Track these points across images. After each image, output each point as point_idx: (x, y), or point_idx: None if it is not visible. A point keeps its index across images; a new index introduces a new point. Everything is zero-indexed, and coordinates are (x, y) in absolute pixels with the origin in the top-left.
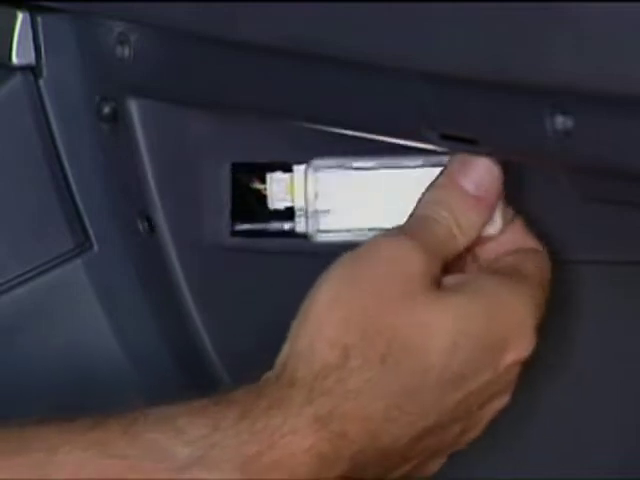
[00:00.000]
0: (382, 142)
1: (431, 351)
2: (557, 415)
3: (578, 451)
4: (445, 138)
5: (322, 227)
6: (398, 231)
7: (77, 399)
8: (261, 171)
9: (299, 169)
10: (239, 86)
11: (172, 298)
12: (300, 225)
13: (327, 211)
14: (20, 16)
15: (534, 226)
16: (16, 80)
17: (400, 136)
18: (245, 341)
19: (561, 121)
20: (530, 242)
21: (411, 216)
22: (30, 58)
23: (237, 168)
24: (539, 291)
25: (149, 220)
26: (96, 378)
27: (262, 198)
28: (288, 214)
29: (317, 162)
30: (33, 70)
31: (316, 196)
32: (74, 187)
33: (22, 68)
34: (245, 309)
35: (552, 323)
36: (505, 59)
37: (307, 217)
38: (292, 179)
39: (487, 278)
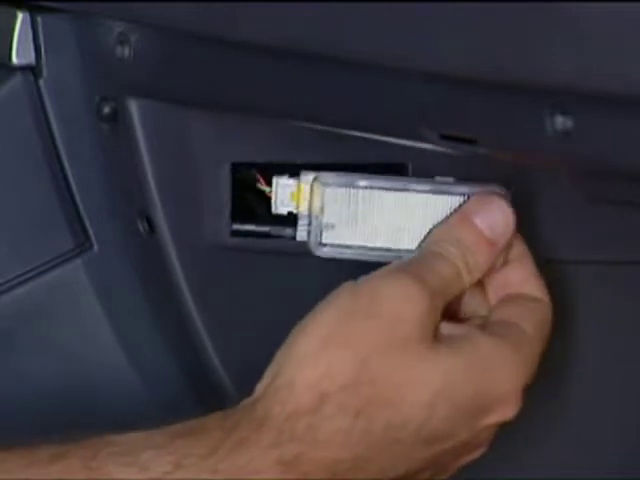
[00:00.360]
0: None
1: (411, 406)
2: (557, 415)
3: (578, 451)
4: (445, 138)
5: (324, 240)
6: (403, 268)
7: (77, 399)
8: (263, 172)
9: (307, 178)
10: (239, 86)
11: (172, 298)
12: (301, 234)
13: (330, 225)
14: (20, 16)
15: (534, 226)
16: (16, 80)
17: (400, 136)
18: (245, 341)
19: (561, 121)
20: (535, 289)
21: (419, 251)
22: (30, 58)
23: (237, 168)
24: (535, 348)
25: (149, 220)
26: (96, 378)
27: (263, 199)
28: (290, 219)
29: (325, 176)
30: (33, 70)
31: (321, 210)
32: (74, 187)
33: (22, 68)
34: (245, 309)
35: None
36: (505, 59)
37: (310, 228)
38: (299, 187)
39: (483, 340)
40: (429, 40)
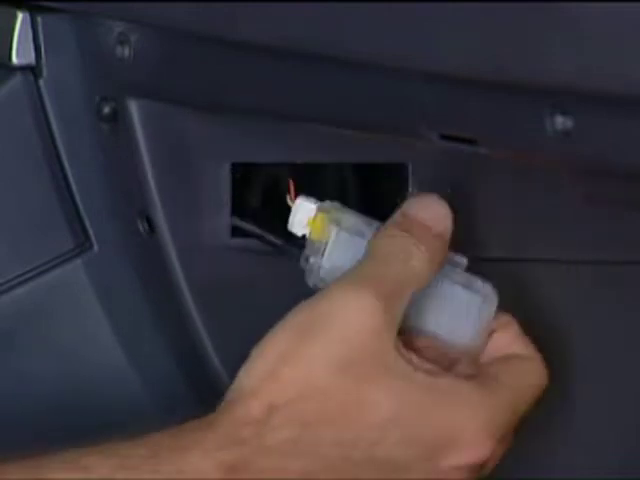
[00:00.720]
0: None
1: (362, 425)
2: (556, 415)
3: (578, 451)
4: (445, 138)
5: (322, 275)
6: (356, 279)
7: (77, 399)
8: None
9: (326, 207)
10: (239, 86)
11: (172, 298)
12: (303, 259)
13: (333, 267)
14: (20, 16)
15: (534, 226)
16: (16, 80)
17: (400, 136)
18: (245, 341)
19: (561, 121)
20: (522, 348)
21: (366, 255)
22: (30, 58)
23: (237, 168)
24: (512, 398)
25: (149, 220)
26: (96, 378)
27: (263, 199)
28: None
29: (344, 218)
30: (33, 70)
31: (330, 253)
32: (74, 187)
33: (22, 68)
34: (245, 309)
35: (552, 323)
36: (505, 59)
37: (311, 258)
38: (316, 216)
39: (445, 378)
40: (429, 40)
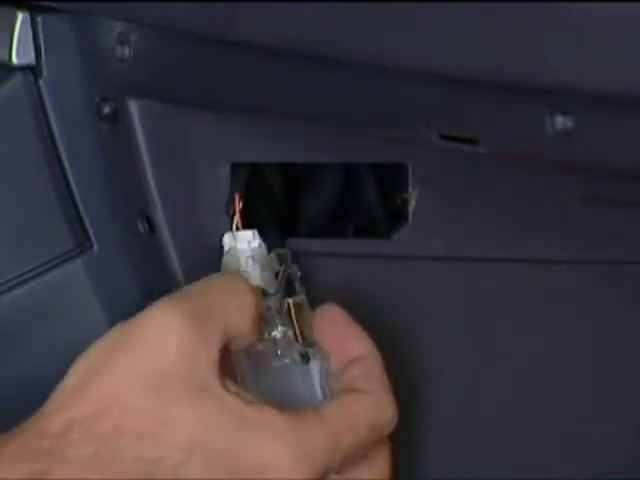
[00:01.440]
0: None
1: (166, 445)
2: (557, 415)
3: (579, 451)
4: (445, 138)
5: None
6: (168, 297)
7: None
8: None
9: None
10: (239, 86)
11: None
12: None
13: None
14: (20, 16)
15: (534, 226)
16: (16, 80)
17: (400, 136)
18: None
19: (561, 121)
20: (363, 384)
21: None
22: (30, 58)
23: (237, 168)
24: (337, 435)
25: (149, 220)
26: None
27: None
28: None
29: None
30: (33, 70)
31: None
32: (74, 187)
33: (22, 68)
34: None
35: (552, 323)
36: (505, 59)
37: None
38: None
39: (250, 405)
40: (429, 40)
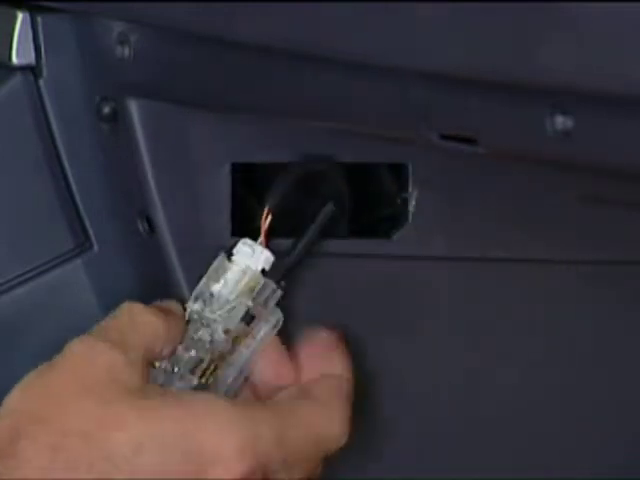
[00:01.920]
0: None
1: (114, 443)
2: (557, 415)
3: (579, 451)
4: (445, 138)
5: None
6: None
7: None
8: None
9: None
10: (239, 86)
11: (172, 298)
12: None
13: None
14: (20, 16)
15: (534, 226)
16: (16, 80)
17: (400, 136)
18: None
19: (561, 121)
20: (325, 367)
21: None
22: (30, 58)
23: (237, 168)
24: (284, 422)
25: (149, 220)
26: None
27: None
28: None
29: None
30: (33, 70)
31: None
32: (74, 187)
33: (22, 68)
34: None
35: (552, 323)
36: (505, 59)
37: None
38: None
39: (192, 395)
40: (429, 40)
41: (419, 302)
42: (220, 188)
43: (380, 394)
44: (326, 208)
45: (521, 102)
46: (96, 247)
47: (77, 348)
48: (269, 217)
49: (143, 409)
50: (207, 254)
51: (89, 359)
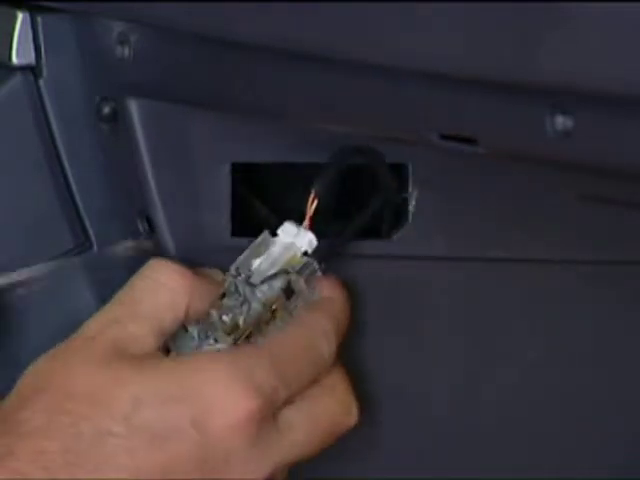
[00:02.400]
0: None
1: (114, 399)
2: (557, 415)
3: (579, 451)
4: (445, 138)
5: None
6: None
7: None
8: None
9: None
10: (239, 86)
11: None
12: None
13: None
14: (20, 16)
15: (534, 226)
16: (16, 80)
17: (400, 136)
18: None
19: (561, 121)
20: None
21: None
22: (30, 58)
23: (237, 168)
24: (278, 353)
25: (149, 220)
26: None
27: (263, 199)
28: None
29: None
30: (33, 70)
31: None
32: (74, 187)
33: (22, 68)
34: None
35: (552, 323)
36: (505, 59)
37: None
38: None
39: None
40: (429, 40)
41: (419, 302)
42: (220, 188)
43: (380, 394)
44: (377, 197)
45: (521, 102)
46: (96, 247)
47: (89, 328)
48: (315, 201)
49: (142, 368)
50: (207, 254)
51: (98, 337)
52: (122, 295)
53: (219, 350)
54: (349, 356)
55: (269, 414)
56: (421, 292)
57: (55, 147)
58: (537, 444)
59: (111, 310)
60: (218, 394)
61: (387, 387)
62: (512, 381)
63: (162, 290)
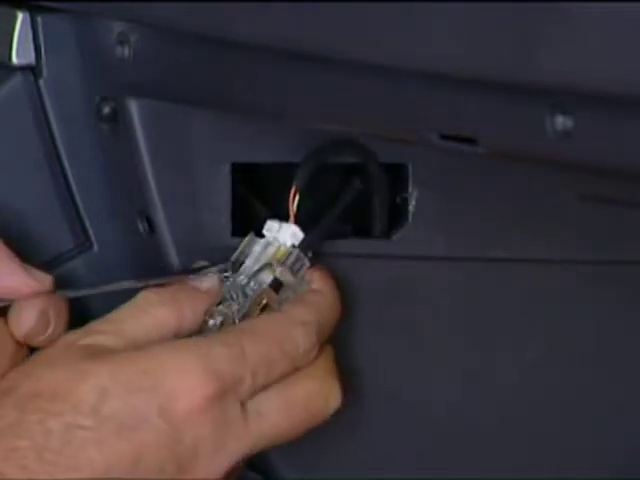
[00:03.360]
0: None
1: (79, 393)
2: (557, 415)
3: (579, 451)
4: (445, 138)
5: None
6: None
7: None
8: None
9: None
10: (239, 86)
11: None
12: None
13: None
14: (20, 16)
15: (534, 226)
16: (16, 80)
17: (400, 136)
18: None
19: (561, 121)
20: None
21: None
22: (30, 58)
23: (237, 168)
24: (237, 339)
25: (149, 220)
26: None
27: (263, 199)
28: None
29: None
30: (33, 70)
31: None
32: (74, 187)
33: (22, 68)
34: None
35: (552, 323)
36: (505, 59)
37: None
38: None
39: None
40: (429, 40)
41: (419, 302)
42: (220, 188)
43: (380, 394)
44: (353, 184)
45: (521, 102)
46: (96, 247)
47: (65, 338)
48: (297, 196)
49: (107, 360)
50: (207, 254)
51: (74, 341)
52: (107, 315)
53: None
54: (349, 356)
55: (231, 400)
56: (421, 292)
57: (55, 147)
58: (537, 444)
59: (92, 324)
60: (178, 381)
61: (387, 387)
62: (512, 381)
63: (147, 317)
